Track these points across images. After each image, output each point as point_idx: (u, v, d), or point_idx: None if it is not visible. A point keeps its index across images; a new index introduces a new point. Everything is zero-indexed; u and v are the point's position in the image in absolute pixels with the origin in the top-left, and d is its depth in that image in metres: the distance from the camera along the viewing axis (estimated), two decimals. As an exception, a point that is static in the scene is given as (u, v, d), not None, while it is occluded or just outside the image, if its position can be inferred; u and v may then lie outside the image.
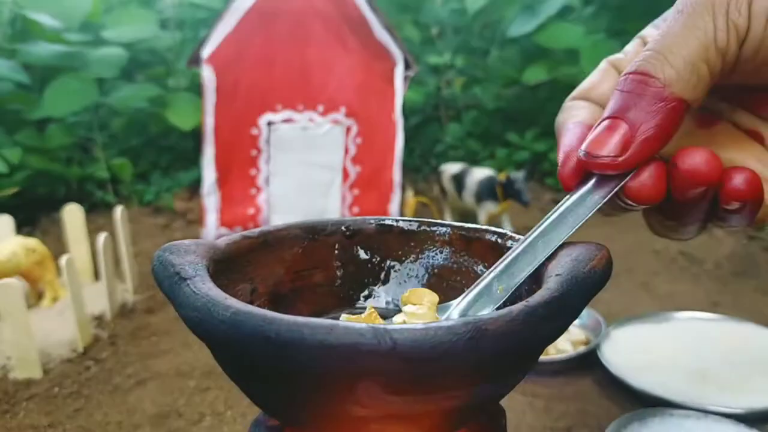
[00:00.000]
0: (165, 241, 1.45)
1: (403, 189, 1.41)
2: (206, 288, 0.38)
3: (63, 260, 0.94)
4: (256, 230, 0.52)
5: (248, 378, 0.40)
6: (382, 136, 1.34)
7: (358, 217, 0.57)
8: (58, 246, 1.28)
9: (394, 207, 1.36)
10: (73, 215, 1.20)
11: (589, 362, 0.87)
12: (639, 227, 1.49)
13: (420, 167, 2.01)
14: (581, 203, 0.42)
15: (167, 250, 0.44)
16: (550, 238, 0.44)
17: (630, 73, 0.37)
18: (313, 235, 0.54)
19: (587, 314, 0.95)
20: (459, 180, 1.51)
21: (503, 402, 0.80)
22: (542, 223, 0.44)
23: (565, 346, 0.89)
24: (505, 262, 0.45)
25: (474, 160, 1.93)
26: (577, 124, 0.43)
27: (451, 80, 2.09)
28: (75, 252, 1.19)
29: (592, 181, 0.41)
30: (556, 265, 0.43)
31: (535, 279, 0.45)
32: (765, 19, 0.35)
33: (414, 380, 0.35)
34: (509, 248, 0.49)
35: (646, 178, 0.39)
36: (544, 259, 0.43)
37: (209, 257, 0.45)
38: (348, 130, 1.33)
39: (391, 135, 1.34)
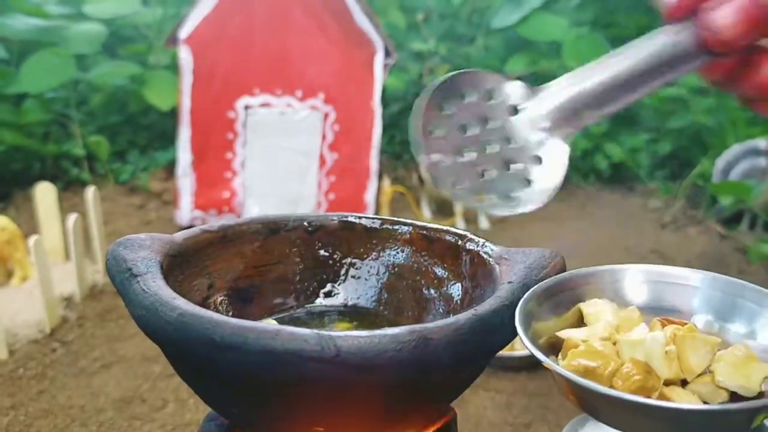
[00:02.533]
0: (139, 222, 1.45)
1: (381, 177, 1.41)
2: (156, 286, 0.38)
3: (31, 240, 0.93)
4: (216, 224, 0.52)
5: (195, 378, 0.40)
6: (360, 124, 1.34)
7: (321, 213, 0.57)
8: (31, 224, 1.27)
9: (370, 195, 1.36)
10: (45, 193, 1.19)
11: (553, 359, 0.87)
12: (613, 224, 1.50)
13: (400, 155, 2.00)
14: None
15: (121, 244, 0.43)
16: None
17: None
18: (273, 230, 0.54)
19: (554, 311, 0.95)
20: (436, 169, 1.50)
21: (466, 397, 0.81)
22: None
23: (530, 341, 0.89)
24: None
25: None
26: None
27: (435, 68, 2.08)
28: (47, 231, 1.18)
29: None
30: (509, 271, 0.43)
31: (489, 282, 0.45)
32: None
33: (358, 386, 0.35)
34: (467, 249, 0.50)
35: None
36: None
37: (164, 252, 0.44)
38: (326, 116, 1.33)
39: (369, 123, 1.33)
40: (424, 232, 0.53)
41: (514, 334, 0.40)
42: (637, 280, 0.50)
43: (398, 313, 0.53)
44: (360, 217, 0.56)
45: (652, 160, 1.77)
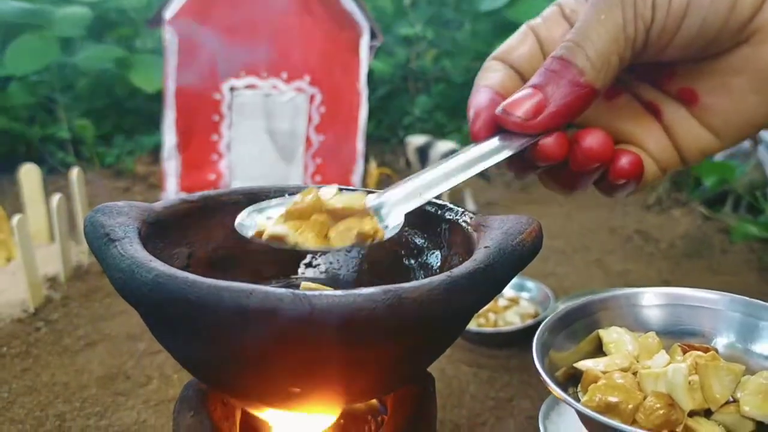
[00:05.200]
0: (125, 205, 1.45)
1: (367, 160, 1.41)
2: (132, 250, 0.38)
3: (14, 221, 0.93)
4: (197, 194, 0.52)
5: (172, 340, 0.40)
6: (346, 106, 1.34)
7: (301, 185, 0.57)
8: (16, 206, 1.27)
9: (356, 177, 1.36)
10: (29, 175, 1.19)
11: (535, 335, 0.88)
12: (598, 206, 1.51)
13: (387, 138, 2.01)
14: (491, 151, 0.45)
15: (99, 211, 0.44)
16: (456, 175, 0.45)
17: (555, 57, 0.43)
18: (254, 200, 0.54)
19: (537, 288, 0.96)
20: (423, 152, 1.51)
21: (449, 372, 0.82)
22: (450, 159, 0.45)
23: (513, 318, 0.90)
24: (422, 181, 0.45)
25: (441, 133, 1.93)
26: (486, 89, 0.47)
27: (422, 52, 2.08)
28: (31, 213, 1.18)
29: (499, 137, 0.45)
30: (486, 236, 0.43)
31: (467, 249, 0.46)
32: (666, 8, 0.40)
33: (333, 346, 0.35)
34: (446, 219, 0.50)
35: (551, 142, 0.44)
36: (439, 192, 0.45)
37: (142, 219, 0.45)
38: (312, 98, 1.33)
39: (355, 105, 1.34)
40: (404, 202, 0.54)
41: (489, 297, 0.41)
42: (654, 303, 0.50)
43: (378, 283, 0.53)
44: (340, 189, 0.56)
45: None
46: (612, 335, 0.47)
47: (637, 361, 0.45)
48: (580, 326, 0.48)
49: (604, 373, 0.43)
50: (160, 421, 0.73)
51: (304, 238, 0.42)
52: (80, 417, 0.73)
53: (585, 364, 0.44)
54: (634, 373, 0.43)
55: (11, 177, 1.46)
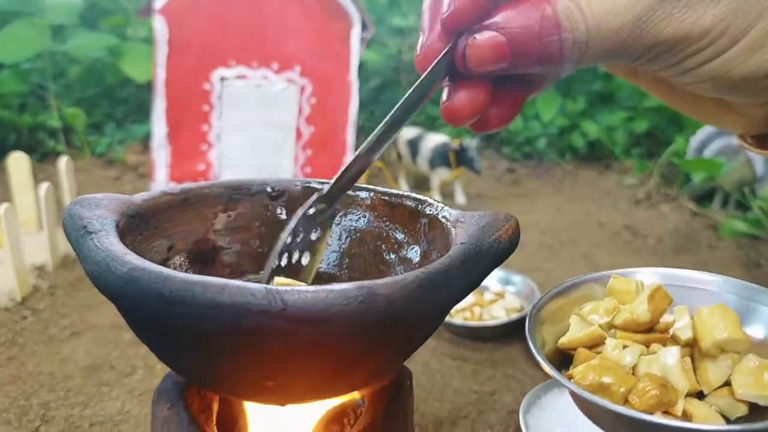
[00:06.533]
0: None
1: (357, 151, 1.41)
2: (108, 243, 0.38)
3: (2, 209, 0.93)
4: (178, 187, 0.52)
5: (148, 333, 0.40)
6: (336, 97, 1.34)
7: (285, 178, 0.57)
8: (5, 194, 1.27)
9: (346, 169, 1.36)
10: (18, 163, 1.19)
11: (520, 329, 0.88)
12: (587, 200, 1.51)
13: (380, 130, 2.00)
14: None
15: (78, 203, 0.44)
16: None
17: None
18: (236, 194, 0.54)
19: (523, 282, 0.96)
20: (414, 145, 1.51)
21: (433, 365, 0.82)
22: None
23: (499, 312, 0.90)
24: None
25: (433, 126, 1.93)
26: None
27: (414, 43, 2.08)
28: (20, 201, 1.18)
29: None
30: (463, 233, 0.44)
31: (446, 244, 0.46)
32: None
33: (306, 341, 0.36)
34: (426, 214, 0.50)
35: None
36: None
37: (121, 212, 0.45)
38: (302, 89, 1.33)
39: (346, 96, 1.33)
40: (385, 197, 0.54)
41: (464, 293, 0.41)
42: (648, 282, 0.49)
43: (358, 277, 0.54)
44: (322, 183, 0.56)
45: (628, 138, 1.78)
46: (589, 306, 0.47)
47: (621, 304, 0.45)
48: (573, 302, 0.48)
49: (591, 348, 0.43)
50: (144, 411, 0.73)
51: None
52: (64, 406, 0.74)
53: (568, 339, 0.44)
54: (614, 326, 0.43)
55: (1, 165, 1.46)
